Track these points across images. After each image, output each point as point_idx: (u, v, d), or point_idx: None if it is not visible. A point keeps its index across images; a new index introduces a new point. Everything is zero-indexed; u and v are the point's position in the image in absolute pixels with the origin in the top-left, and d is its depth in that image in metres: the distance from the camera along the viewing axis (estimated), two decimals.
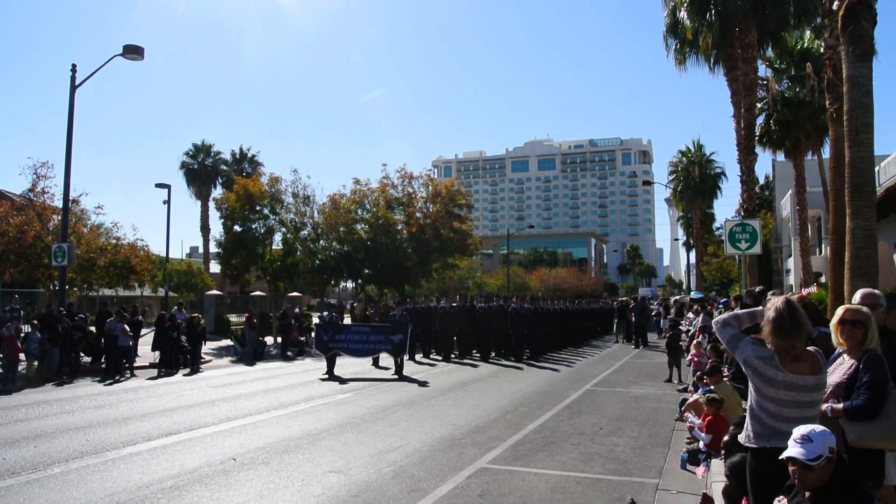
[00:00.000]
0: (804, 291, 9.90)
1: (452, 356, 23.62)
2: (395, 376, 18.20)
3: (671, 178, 54.82)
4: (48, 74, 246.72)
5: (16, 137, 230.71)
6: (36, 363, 18.59)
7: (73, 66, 21.48)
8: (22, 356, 18.21)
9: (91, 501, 6.97)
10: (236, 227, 33.68)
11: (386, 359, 20.25)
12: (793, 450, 3.36)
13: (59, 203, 23.87)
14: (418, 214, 36.31)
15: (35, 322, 18.46)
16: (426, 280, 39.94)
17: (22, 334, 18.82)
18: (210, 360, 23.51)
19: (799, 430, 3.41)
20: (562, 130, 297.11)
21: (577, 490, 7.42)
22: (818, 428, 3.40)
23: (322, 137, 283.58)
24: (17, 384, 16.96)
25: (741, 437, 4.24)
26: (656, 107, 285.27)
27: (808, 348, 4.05)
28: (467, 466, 8.39)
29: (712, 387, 9.29)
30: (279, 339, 27.98)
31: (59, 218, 23.25)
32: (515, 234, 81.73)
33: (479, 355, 23.79)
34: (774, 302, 4.11)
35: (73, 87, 21.55)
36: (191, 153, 52.77)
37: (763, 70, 28.71)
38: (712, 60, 25.91)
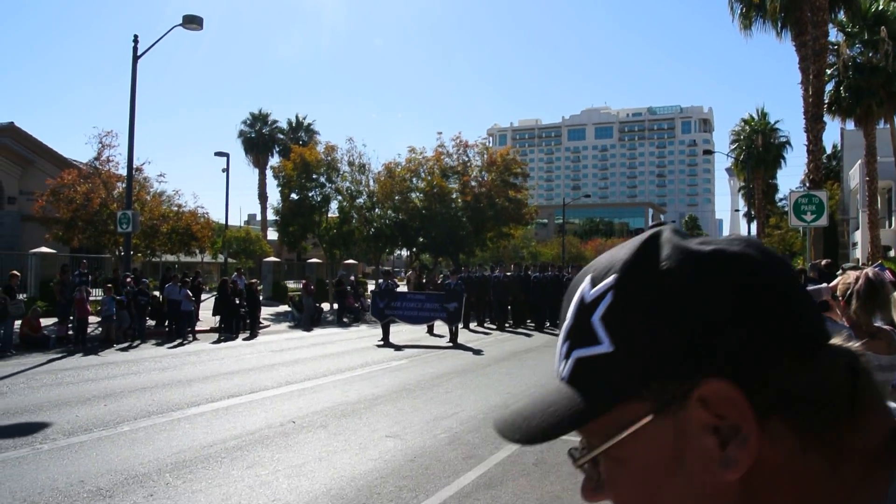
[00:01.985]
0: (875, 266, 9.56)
1: (506, 325, 23.65)
2: (450, 344, 18.32)
3: (733, 147, 53.32)
4: (111, 46, 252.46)
5: (82, 108, 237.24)
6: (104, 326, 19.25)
7: (135, 37, 21.88)
8: (91, 318, 18.87)
9: (158, 458, 7.23)
10: (293, 196, 34.16)
11: (440, 327, 20.39)
12: None
13: (123, 171, 24.51)
14: (473, 183, 36.17)
15: (109, 286, 19.08)
16: (481, 249, 39.91)
17: (89, 298, 19.46)
18: (268, 326, 24.03)
19: None
20: (620, 98, 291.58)
21: None
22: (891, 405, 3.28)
23: (375, 106, 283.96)
24: (87, 345, 17.63)
25: None
26: (718, 74, 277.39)
27: (883, 326, 3.91)
28: None
29: None
30: (335, 306, 28.41)
31: (124, 186, 23.87)
32: (571, 203, 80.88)
33: (533, 325, 23.77)
34: (862, 273, 3.95)
35: (136, 58, 21.94)
36: (248, 122, 53.50)
37: (834, 34, 27.61)
38: (780, 25, 25.00)
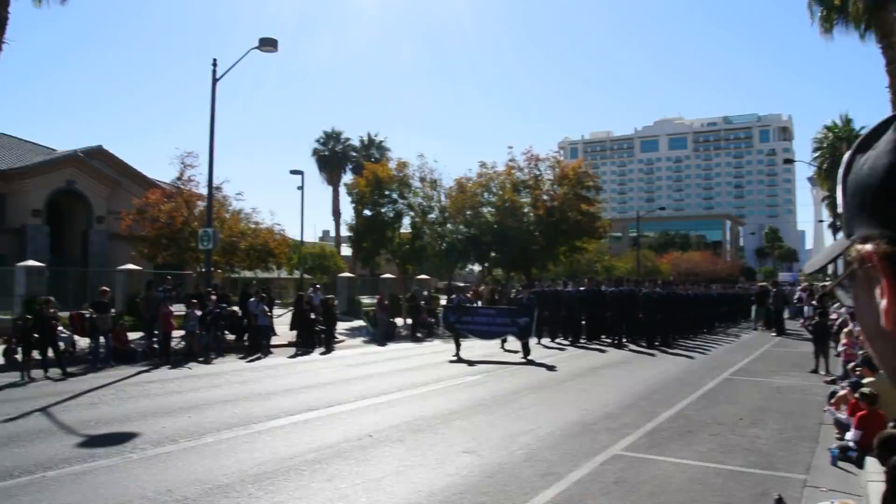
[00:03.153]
0: None
1: (580, 341, 23.35)
2: (523, 360, 18.19)
3: (815, 155, 51.45)
4: (192, 70, 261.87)
5: (165, 130, 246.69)
6: (187, 340, 19.86)
7: (214, 60, 22.60)
8: (175, 332, 19.50)
9: (241, 470, 7.39)
10: (366, 212, 34.62)
11: (513, 342, 20.28)
12: None
13: (203, 190, 25.28)
14: (545, 197, 35.91)
15: (194, 301, 19.69)
16: (553, 264, 39.55)
17: (173, 313, 20.10)
18: (343, 340, 24.35)
19: None
20: (694, 108, 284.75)
21: (717, 482, 7.16)
22: None
23: (446, 121, 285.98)
24: (171, 358, 18.22)
25: None
26: (798, 80, 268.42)
27: None
28: (601, 452, 8.28)
29: (865, 379, 8.69)
30: (408, 321, 28.59)
31: (204, 204, 24.63)
32: (645, 216, 79.47)
33: (608, 340, 23.39)
34: None
35: (214, 81, 22.66)
36: (322, 140, 54.61)
37: None
38: (863, 27, 24.03)
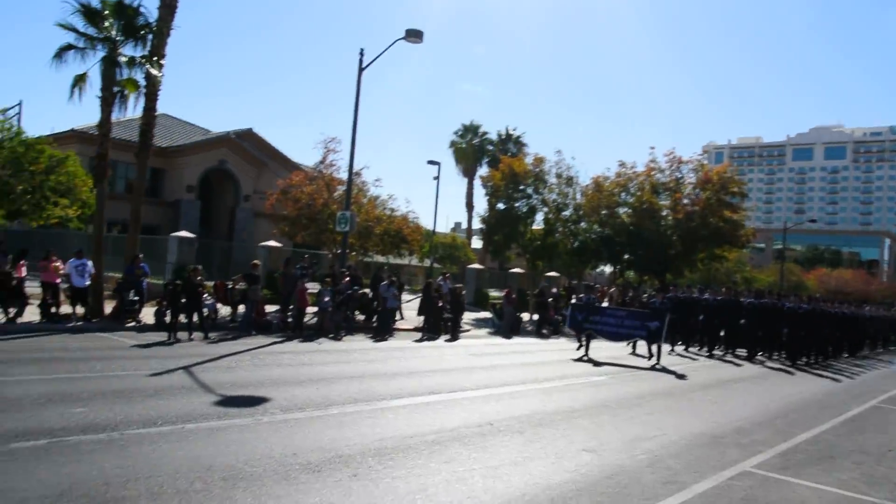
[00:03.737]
0: None
1: (715, 352, 22.35)
2: (651, 365, 17.62)
3: None
4: (339, 59, 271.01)
5: (310, 116, 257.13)
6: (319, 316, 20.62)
7: (361, 50, 23.21)
8: (308, 309, 20.28)
9: (363, 443, 7.56)
10: (500, 205, 34.65)
11: (642, 347, 19.70)
12: None
13: (344, 175, 26.10)
14: (686, 201, 34.60)
15: (328, 279, 20.42)
16: (690, 270, 38.09)
17: (308, 290, 20.90)
18: (469, 330, 24.51)
19: None
20: (855, 116, 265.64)
21: None
22: None
23: (585, 120, 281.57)
24: (304, 333, 18.97)
25: None
26: None
27: None
28: (729, 467, 7.84)
29: None
30: (535, 317, 28.41)
31: (344, 188, 25.43)
32: (793, 227, 75.07)
33: (743, 353, 22.24)
34: None
35: (360, 70, 23.29)
36: (459, 133, 55.02)
37: None
38: None
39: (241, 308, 19.18)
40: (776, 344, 22.00)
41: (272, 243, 27.41)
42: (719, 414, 11.30)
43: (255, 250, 27.37)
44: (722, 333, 22.86)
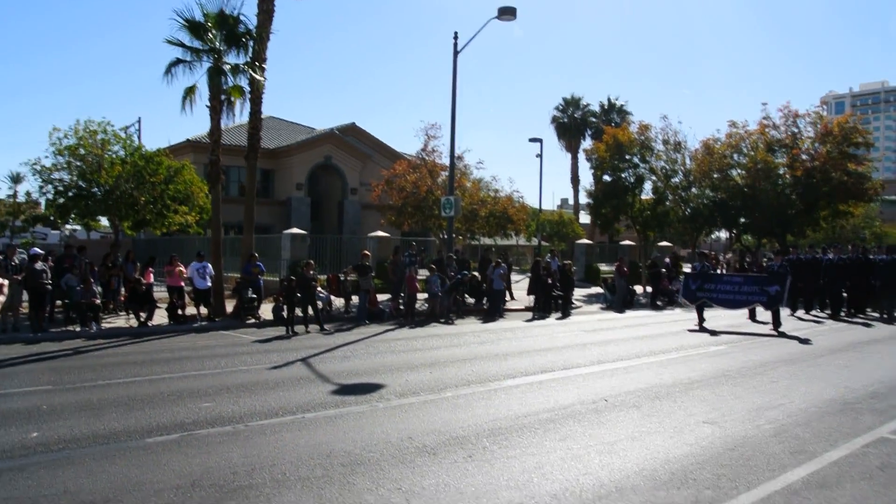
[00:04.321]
0: None
1: (842, 313, 21.14)
2: (773, 331, 16.87)
3: None
4: (434, 44, 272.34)
5: (410, 104, 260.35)
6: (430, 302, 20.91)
7: (455, 34, 23.21)
8: (419, 295, 20.60)
9: (477, 424, 7.64)
10: (606, 177, 33.95)
11: (762, 314, 18.88)
12: None
13: (446, 160, 26.23)
14: (804, 156, 32.69)
15: (433, 266, 20.70)
16: (812, 230, 36.09)
17: (417, 276, 21.24)
18: (580, 307, 24.22)
19: None
20: None
21: None
22: None
23: (690, 81, 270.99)
24: (415, 319, 19.29)
25: None
26: None
27: None
28: (863, 434, 7.43)
29: None
30: (648, 289, 27.75)
31: (447, 173, 25.58)
32: None
33: (875, 314, 20.93)
34: None
35: (455, 53, 23.29)
36: (560, 107, 54.20)
37: None
38: None
39: (354, 299, 19.71)
40: None
41: (380, 233, 27.98)
42: (850, 379, 10.69)
43: (364, 241, 28.03)
44: (845, 294, 21.60)
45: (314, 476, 5.82)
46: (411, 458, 6.37)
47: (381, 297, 21.28)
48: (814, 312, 21.71)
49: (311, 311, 17.17)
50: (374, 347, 14.00)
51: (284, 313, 16.82)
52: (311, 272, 17.65)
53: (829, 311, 21.47)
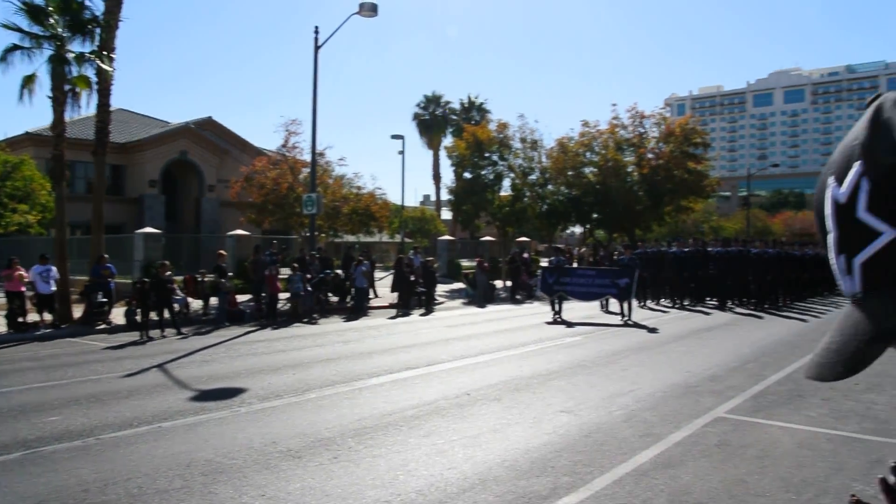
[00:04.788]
0: None
1: (684, 303, 22.70)
2: (624, 322, 17.86)
3: None
4: (294, 39, 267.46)
5: (269, 99, 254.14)
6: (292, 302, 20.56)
7: (316, 28, 22.93)
8: (281, 295, 20.20)
9: (342, 424, 7.61)
10: (466, 175, 34.62)
11: (614, 304, 19.94)
12: None
13: (307, 157, 25.89)
14: (650, 155, 34.78)
15: (295, 265, 20.35)
16: (658, 224, 38.48)
17: (279, 276, 20.83)
18: (443, 302, 24.60)
19: None
20: (813, 57, 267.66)
21: (828, 448, 6.80)
22: None
23: (546, 80, 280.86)
24: (277, 320, 18.92)
25: None
26: None
27: None
28: (703, 415, 8.03)
29: None
30: (508, 283, 28.57)
31: (308, 170, 25.23)
32: (756, 174, 76.05)
33: (713, 303, 22.62)
34: None
35: (316, 48, 22.99)
36: (422, 105, 54.71)
37: None
38: None
39: (213, 300, 19.07)
40: (745, 291, 22.40)
41: (240, 232, 27.17)
42: (693, 364, 11.51)
43: (223, 240, 27.13)
44: (692, 284, 23.23)
45: (173, 488, 5.60)
46: (275, 462, 6.27)
47: (242, 298, 20.69)
48: (661, 302, 23.15)
49: (167, 314, 16.44)
50: (235, 350, 13.60)
51: (138, 317, 16.03)
52: (167, 273, 16.90)
53: (672, 301, 22.96)
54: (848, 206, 0.60)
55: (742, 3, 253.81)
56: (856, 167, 0.59)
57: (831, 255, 0.63)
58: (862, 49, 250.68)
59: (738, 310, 21.16)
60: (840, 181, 0.61)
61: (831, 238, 0.63)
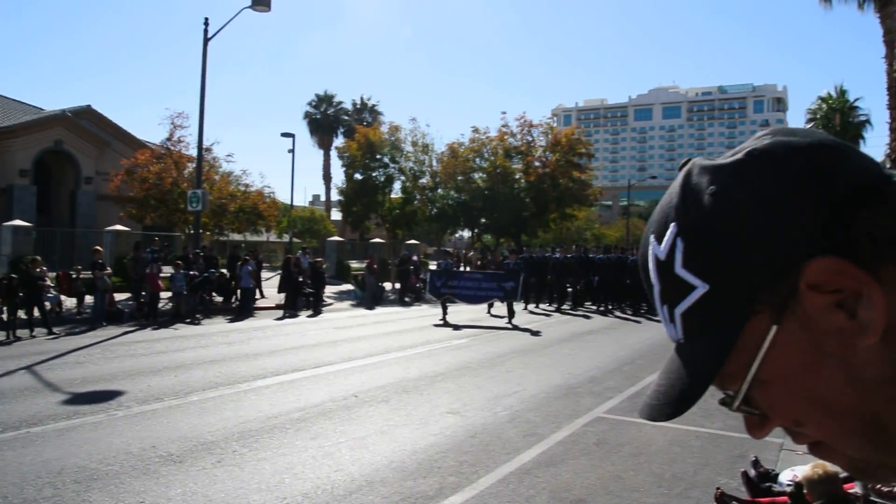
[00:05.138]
0: None
1: (566, 307, 23.49)
2: (508, 324, 18.30)
3: (808, 126, 51.34)
4: (182, 29, 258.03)
5: (155, 91, 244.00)
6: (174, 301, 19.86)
7: (206, 20, 22.22)
8: (162, 294, 19.48)
9: (226, 428, 7.45)
10: (357, 176, 34.52)
11: (500, 308, 20.38)
12: None
13: (193, 151, 25.06)
14: (537, 163, 35.76)
15: (178, 262, 19.66)
16: (543, 230, 39.60)
17: (161, 274, 20.08)
18: (332, 304, 24.39)
19: None
20: (689, 77, 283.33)
21: (696, 444, 7.26)
22: None
23: (439, 85, 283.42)
24: (158, 319, 18.23)
25: None
26: (794, 50, 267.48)
27: None
28: (583, 415, 8.37)
29: None
30: (397, 286, 28.66)
31: (194, 165, 24.44)
32: (636, 184, 79.51)
33: (594, 307, 23.53)
34: None
35: (206, 41, 22.31)
36: (314, 104, 54.14)
37: None
38: None
39: (89, 298, 18.14)
40: (624, 296, 23.42)
41: (119, 227, 25.92)
42: (574, 365, 11.95)
43: (101, 236, 25.83)
44: (570, 289, 24.08)
45: (43, 497, 5.33)
46: (155, 467, 6.08)
47: (121, 297, 19.79)
48: (543, 306, 23.85)
49: (37, 312, 15.52)
50: (112, 351, 13.00)
51: (4, 315, 15.04)
52: (38, 269, 15.95)
53: (555, 305, 23.71)
54: (667, 262, 0.67)
55: (627, 21, 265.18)
56: (672, 227, 0.67)
57: (656, 305, 0.71)
58: (733, 72, 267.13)
59: (618, 314, 22.09)
60: (659, 240, 0.68)
61: (655, 291, 0.70)
